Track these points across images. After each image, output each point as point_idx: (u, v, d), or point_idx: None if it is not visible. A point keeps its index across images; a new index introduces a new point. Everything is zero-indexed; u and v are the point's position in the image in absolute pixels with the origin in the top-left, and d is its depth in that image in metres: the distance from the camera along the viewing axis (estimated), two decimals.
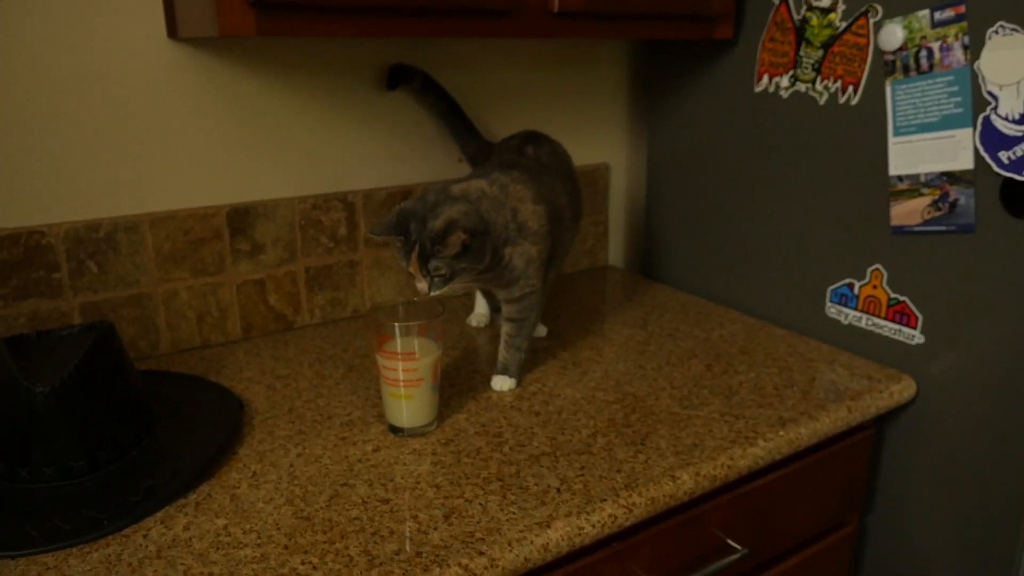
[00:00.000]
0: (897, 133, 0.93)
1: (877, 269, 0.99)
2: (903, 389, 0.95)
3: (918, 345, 0.96)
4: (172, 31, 0.93)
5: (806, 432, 0.85)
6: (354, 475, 0.75)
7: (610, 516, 0.71)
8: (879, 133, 0.95)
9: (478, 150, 1.09)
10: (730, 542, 0.85)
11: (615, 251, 1.46)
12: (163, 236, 0.99)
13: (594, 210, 1.38)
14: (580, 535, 0.69)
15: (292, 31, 0.73)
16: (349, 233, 1.12)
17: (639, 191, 1.44)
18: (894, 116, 0.93)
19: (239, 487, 0.73)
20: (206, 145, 1.00)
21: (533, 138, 1.00)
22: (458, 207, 0.80)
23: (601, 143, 1.37)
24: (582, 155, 1.35)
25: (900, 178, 0.94)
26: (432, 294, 0.81)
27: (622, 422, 0.85)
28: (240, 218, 1.03)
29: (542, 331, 1.08)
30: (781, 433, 0.83)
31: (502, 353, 0.93)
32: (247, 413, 0.87)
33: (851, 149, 0.99)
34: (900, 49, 0.91)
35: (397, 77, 1.09)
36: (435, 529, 0.67)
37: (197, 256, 1.01)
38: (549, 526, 0.68)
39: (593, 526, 0.70)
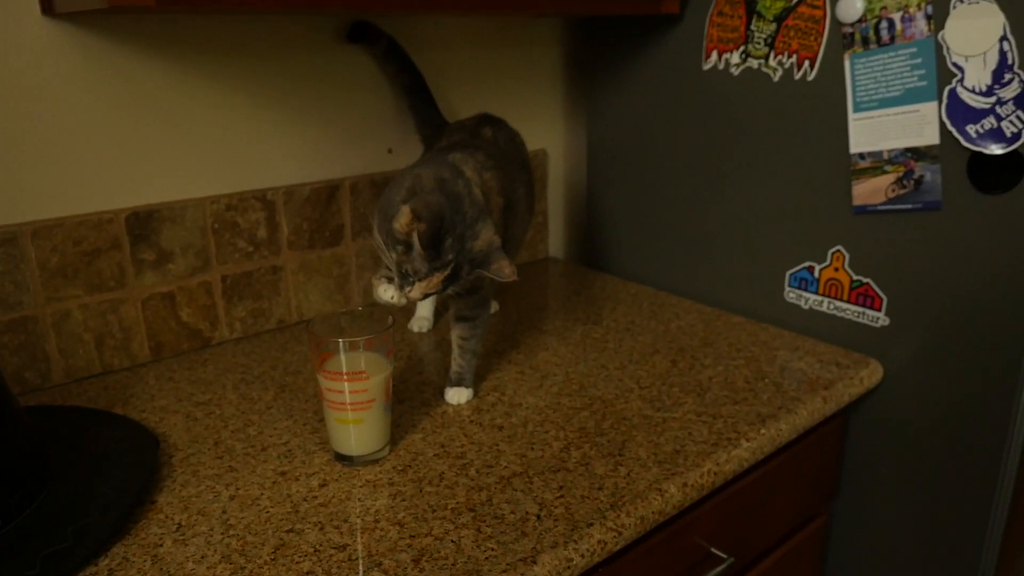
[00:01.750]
0: (857, 109, 0.89)
1: (838, 251, 0.96)
2: (871, 374, 0.92)
3: (883, 327, 0.93)
4: (47, 6, 0.78)
5: (786, 427, 0.81)
6: (301, 518, 0.65)
7: (599, 542, 0.63)
8: (838, 110, 0.91)
9: (435, 130, 1.01)
10: (715, 551, 0.79)
11: (556, 242, 1.41)
12: (49, 248, 0.85)
13: None
14: (569, 568, 0.61)
15: (196, 3, 0.61)
16: (270, 235, 1.01)
17: (579, 178, 1.38)
18: (854, 91, 0.89)
19: (162, 544, 0.62)
20: (97, 140, 0.87)
21: (490, 121, 0.93)
22: (490, 224, 0.73)
23: (537, 128, 1.31)
24: None
25: (862, 156, 0.90)
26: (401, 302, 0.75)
27: (594, 431, 0.78)
28: (142, 223, 0.91)
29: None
30: (762, 431, 0.79)
31: (456, 361, 0.85)
32: (164, 451, 0.76)
33: (808, 127, 0.95)
34: (859, 21, 0.86)
35: (359, 34, 1.02)
36: None
37: (92, 269, 0.88)
38: (535, 561, 0.60)
39: (583, 556, 0.62)
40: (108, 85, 0.86)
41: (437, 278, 0.71)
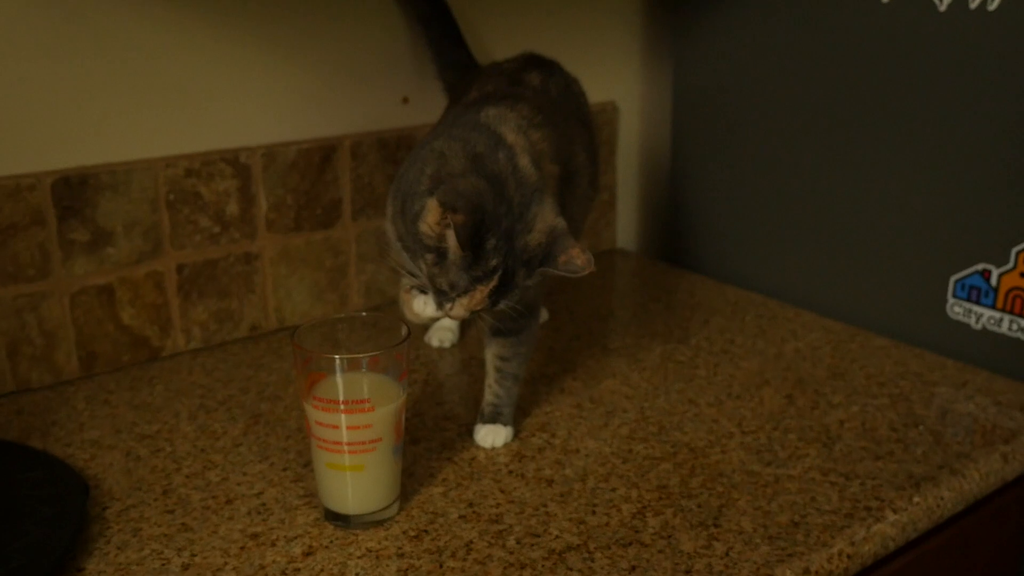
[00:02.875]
0: None
1: None
2: None
3: None
4: None
5: (950, 495, 0.79)
6: None
7: None
8: None
9: (462, 75, 1.02)
10: None
11: (626, 229, 1.41)
12: None
13: None
14: None
15: None
16: (242, 211, 1.02)
17: (660, 143, 1.38)
18: None
19: None
20: (14, 81, 0.88)
21: (538, 64, 0.94)
22: (549, 204, 0.73)
23: (604, 74, 1.30)
24: None
25: None
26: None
27: (680, 491, 0.77)
28: (73, 192, 0.92)
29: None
30: (916, 499, 0.77)
31: (492, 388, 0.85)
32: (96, 500, 0.76)
33: (986, 75, 0.93)
34: None
35: None
36: None
37: (6, 252, 0.90)
38: None
39: None
40: (30, 8, 0.87)
41: (481, 292, 0.71)
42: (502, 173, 0.73)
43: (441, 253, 0.71)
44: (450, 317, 0.74)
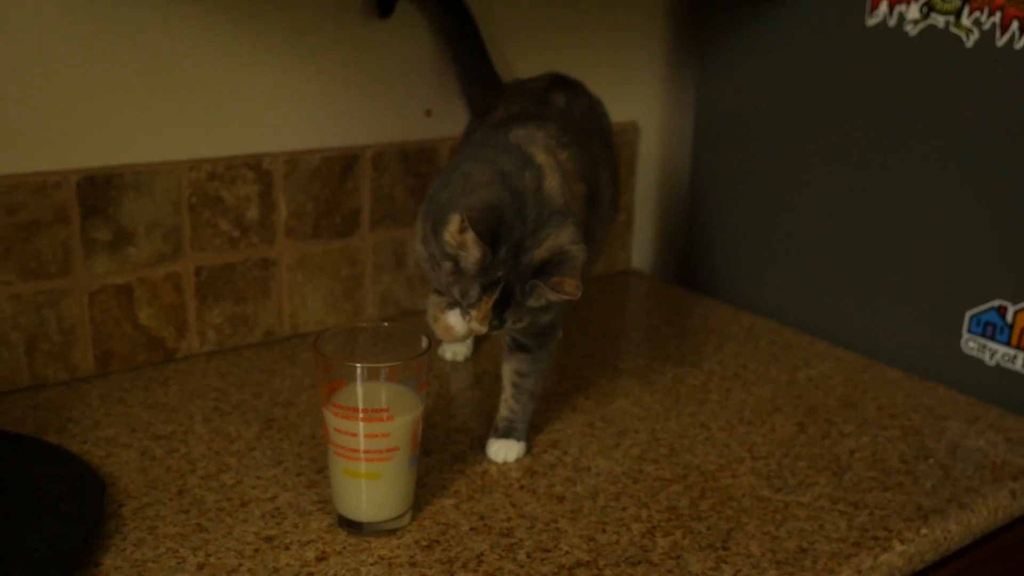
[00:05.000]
0: None
1: None
2: None
3: None
4: None
5: (957, 529, 0.81)
6: None
7: None
8: None
9: (486, 92, 1.04)
10: None
11: (642, 250, 1.42)
12: None
13: None
14: None
15: None
16: (263, 217, 1.04)
17: (679, 165, 1.39)
18: None
19: None
20: (42, 79, 0.91)
21: (563, 84, 0.96)
22: (568, 230, 0.75)
23: (626, 93, 1.32)
24: None
25: None
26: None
27: (689, 512, 0.79)
28: (98, 191, 0.94)
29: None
30: (923, 531, 0.79)
31: (507, 404, 0.87)
32: (112, 497, 0.78)
33: (1009, 111, 0.95)
34: None
35: None
36: None
37: (29, 248, 0.92)
38: None
39: None
40: (60, 7, 0.89)
41: (486, 304, 0.74)
42: (525, 190, 0.76)
43: (458, 262, 0.74)
44: (472, 331, 0.76)
